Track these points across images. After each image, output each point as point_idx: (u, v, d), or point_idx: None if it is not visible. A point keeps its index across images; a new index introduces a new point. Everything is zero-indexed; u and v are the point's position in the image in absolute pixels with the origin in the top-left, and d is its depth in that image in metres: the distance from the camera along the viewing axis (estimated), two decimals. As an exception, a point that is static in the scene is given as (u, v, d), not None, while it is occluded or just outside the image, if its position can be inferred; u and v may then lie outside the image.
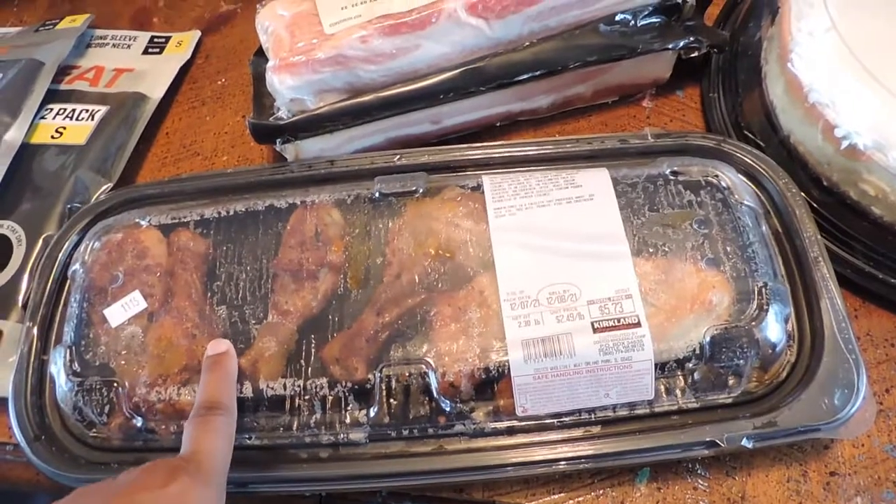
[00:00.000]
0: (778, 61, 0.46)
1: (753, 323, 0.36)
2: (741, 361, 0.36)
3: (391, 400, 0.38)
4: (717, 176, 0.41)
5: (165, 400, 0.39)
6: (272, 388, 0.39)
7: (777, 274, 0.39)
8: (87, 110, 0.55)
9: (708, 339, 0.36)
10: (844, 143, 0.40)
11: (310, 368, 0.39)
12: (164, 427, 0.40)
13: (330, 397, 0.38)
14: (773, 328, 0.36)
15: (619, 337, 0.36)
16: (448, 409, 0.37)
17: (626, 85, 0.51)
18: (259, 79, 0.49)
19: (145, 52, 0.61)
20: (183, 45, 0.61)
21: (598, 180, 0.41)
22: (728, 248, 0.38)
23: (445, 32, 0.45)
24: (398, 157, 0.46)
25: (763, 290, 0.37)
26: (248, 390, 0.39)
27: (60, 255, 0.46)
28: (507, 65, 0.46)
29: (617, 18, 0.47)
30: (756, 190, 0.42)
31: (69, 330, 0.42)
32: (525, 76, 0.46)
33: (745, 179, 0.42)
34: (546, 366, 0.36)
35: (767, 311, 0.36)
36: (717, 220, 0.39)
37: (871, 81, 0.40)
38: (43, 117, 0.55)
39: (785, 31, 0.45)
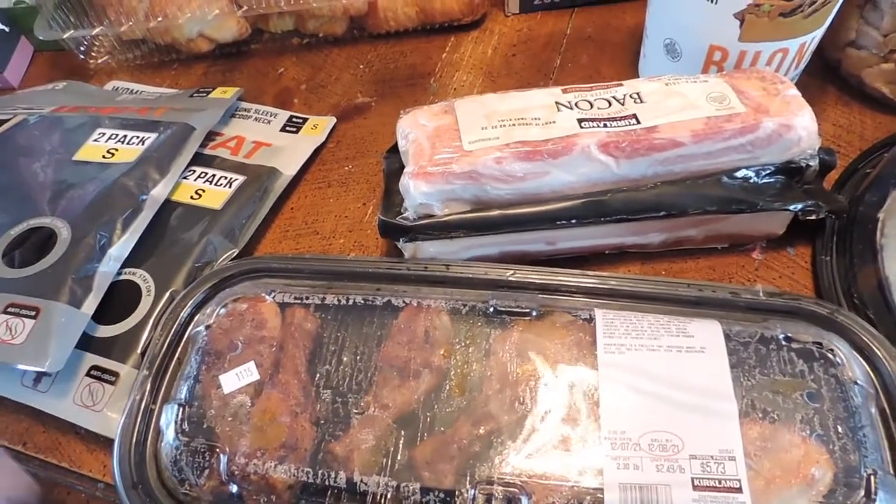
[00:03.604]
0: (898, 239, 0.46)
1: (860, 511, 0.35)
2: (842, 548, 0.35)
3: (476, 515, 0.38)
4: (831, 350, 0.41)
5: (261, 473, 0.41)
6: (364, 483, 0.40)
7: (884, 460, 0.38)
8: (225, 177, 0.59)
9: (811, 519, 0.35)
10: (966, 338, 0.40)
11: (399, 467, 0.40)
12: (253, 498, 0.41)
13: (417, 501, 0.39)
14: (880, 519, 0.36)
15: (718, 498, 0.36)
16: (534, 537, 0.38)
17: (738, 235, 0.52)
18: (391, 176, 0.53)
19: (283, 129, 0.66)
20: (318, 128, 0.65)
21: (710, 334, 0.41)
22: (839, 428, 0.38)
23: (576, 164, 0.48)
24: (511, 272, 0.48)
25: (872, 477, 0.36)
26: (341, 479, 0.40)
27: (183, 312, 0.49)
28: (629, 202, 0.48)
29: (739, 174, 0.49)
30: (868, 368, 0.41)
31: (185, 388, 0.44)
32: (644, 215, 0.48)
33: (857, 355, 0.42)
34: (642, 515, 0.36)
35: (875, 500, 0.36)
36: (829, 395, 0.39)
37: None
38: (185, 177, 0.59)
39: (908, 211, 0.46)
